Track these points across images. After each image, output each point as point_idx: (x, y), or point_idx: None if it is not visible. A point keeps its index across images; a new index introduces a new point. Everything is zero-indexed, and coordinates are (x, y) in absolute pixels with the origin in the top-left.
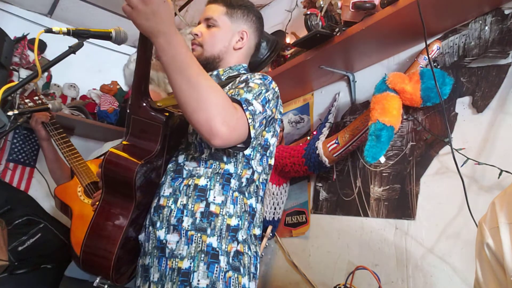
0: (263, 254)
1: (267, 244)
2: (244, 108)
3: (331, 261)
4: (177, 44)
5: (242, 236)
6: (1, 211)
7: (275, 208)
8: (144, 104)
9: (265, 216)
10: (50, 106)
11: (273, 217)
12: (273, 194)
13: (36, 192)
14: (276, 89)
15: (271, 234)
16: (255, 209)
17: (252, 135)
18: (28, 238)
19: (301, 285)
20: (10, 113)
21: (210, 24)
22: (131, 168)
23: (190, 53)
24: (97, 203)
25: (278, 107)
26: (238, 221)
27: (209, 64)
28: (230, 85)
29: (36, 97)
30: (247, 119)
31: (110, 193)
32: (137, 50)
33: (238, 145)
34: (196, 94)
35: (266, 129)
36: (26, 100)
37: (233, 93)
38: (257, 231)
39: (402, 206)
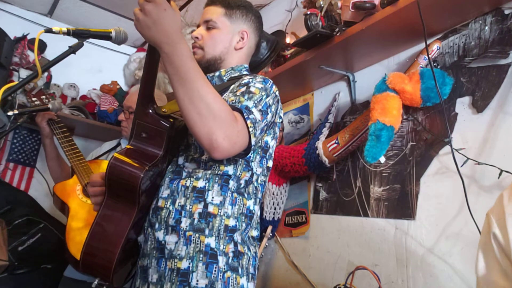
0: (263, 254)
1: (267, 244)
2: (245, 116)
3: (331, 261)
4: (180, 55)
5: (240, 237)
6: (1, 211)
7: (275, 208)
8: (150, 111)
9: (265, 216)
10: (50, 106)
11: (273, 217)
12: (273, 194)
13: (36, 192)
14: (277, 93)
15: (271, 234)
16: (253, 211)
17: (253, 142)
18: (28, 238)
19: (301, 285)
20: (10, 113)
21: (210, 26)
22: (136, 175)
23: (194, 64)
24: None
25: (278, 112)
26: (236, 222)
27: (211, 66)
28: (231, 87)
29: (43, 96)
30: (248, 128)
31: (113, 197)
32: (146, 55)
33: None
34: (198, 107)
35: (267, 132)
36: (33, 99)
37: (233, 101)
38: (254, 233)
39: (402, 206)
